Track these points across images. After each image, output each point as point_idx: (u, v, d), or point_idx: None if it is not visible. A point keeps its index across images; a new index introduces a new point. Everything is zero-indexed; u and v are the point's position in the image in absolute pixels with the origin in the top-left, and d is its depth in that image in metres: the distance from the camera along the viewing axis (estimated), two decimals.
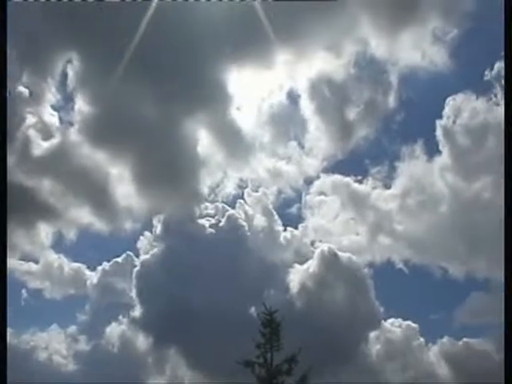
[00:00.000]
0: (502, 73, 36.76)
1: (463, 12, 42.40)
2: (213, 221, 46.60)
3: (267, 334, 23.74)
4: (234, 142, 49.22)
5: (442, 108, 41.41)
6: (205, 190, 48.61)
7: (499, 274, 37.29)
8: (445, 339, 39.98)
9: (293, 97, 50.64)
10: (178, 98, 43.69)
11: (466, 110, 41.03)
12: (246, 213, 47.49)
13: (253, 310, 28.73)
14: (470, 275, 40.72)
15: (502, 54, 40.12)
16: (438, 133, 43.22)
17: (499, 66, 37.50)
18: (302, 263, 44.43)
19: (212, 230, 45.90)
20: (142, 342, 43.31)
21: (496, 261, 35.28)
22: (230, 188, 49.31)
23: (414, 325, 40.49)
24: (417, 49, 45.02)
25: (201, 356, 36.31)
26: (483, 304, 38.36)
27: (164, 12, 34.60)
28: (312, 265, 43.41)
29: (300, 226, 50.26)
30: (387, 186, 47.96)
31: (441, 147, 44.39)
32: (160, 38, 35.60)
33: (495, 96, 39.56)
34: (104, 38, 38.74)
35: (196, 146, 46.78)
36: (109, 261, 51.23)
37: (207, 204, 48.23)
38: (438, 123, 41.90)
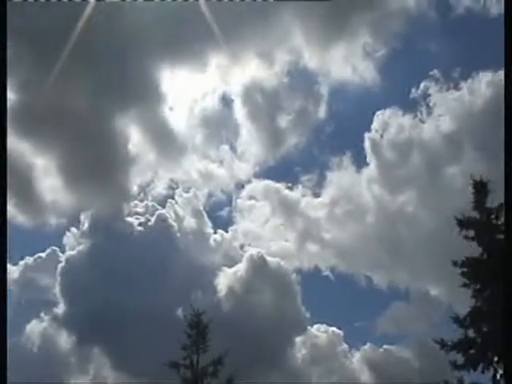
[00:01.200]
0: (428, 91, 38.46)
1: (392, 32, 44.26)
2: (142, 219, 46.14)
3: (194, 336, 23.74)
4: (165, 141, 49.01)
5: (371, 122, 42.98)
6: (134, 189, 48.10)
7: (419, 285, 38.76)
8: (367, 346, 41.17)
9: (226, 101, 51.08)
10: (111, 94, 43.10)
11: (392, 125, 42.77)
12: (176, 213, 47.29)
13: (180, 311, 28.65)
14: (392, 285, 42.19)
15: (430, 73, 41.63)
16: (366, 145, 44.71)
17: (425, 85, 39.23)
18: (230, 266, 44.66)
19: (141, 229, 45.44)
20: (65, 340, 42.30)
21: (417, 272, 36.67)
22: (160, 188, 48.99)
23: (338, 331, 41.50)
24: (348, 63, 46.70)
25: (126, 356, 35.82)
26: (404, 313, 39.78)
27: (102, 11, 34.10)
28: (240, 268, 43.73)
29: (230, 229, 50.57)
30: (316, 195, 49.11)
31: (368, 159, 45.93)
32: (97, 35, 35.03)
33: (421, 113, 41.33)
34: (40, 33, 37.68)
35: (127, 143, 46.25)
36: (32, 255, 49.67)
37: (137, 202, 47.71)
38: (367, 136, 43.39)
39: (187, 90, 54.17)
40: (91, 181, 45.58)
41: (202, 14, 34.00)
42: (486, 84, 37.91)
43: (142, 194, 48.52)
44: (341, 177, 46.72)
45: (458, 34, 43.57)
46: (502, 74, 36.45)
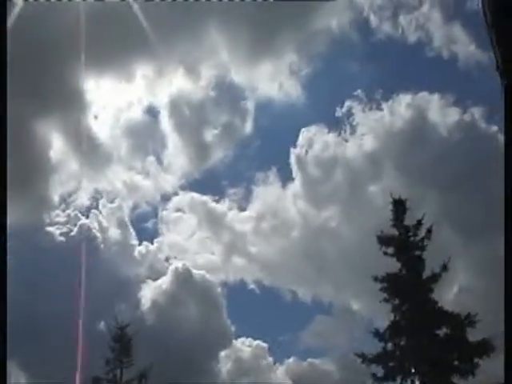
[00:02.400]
0: (352, 111, 39.97)
1: (317, 52, 45.87)
2: (64, 229, 44.95)
3: (117, 350, 23.44)
4: (89, 151, 47.93)
5: (296, 138, 43.91)
6: (56, 199, 46.74)
7: (342, 299, 39.81)
8: (291, 359, 41.64)
9: (152, 112, 50.66)
10: (32, 99, 41.83)
11: (317, 142, 43.91)
12: (100, 224, 46.35)
13: (102, 324, 28.07)
14: (316, 299, 43.04)
15: (354, 93, 43.08)
16: (292, 161, 45.69)
17: (349, 104, 40.76)
18: (155, 279, 44.17)
19: (62, 239, 44.25)
20: None
21: (340, 286, 37.66)
22: (83, 198, 47.82)
23: (263, 344, 41.81)
24: (274, 80, 47.78)
25: (44, 370, 34.69)
26: (327, 327, 40.69)
27: (25, 13, 33.23)
28: (165, 281, 43.34)
29: (155, 241, 49.93)
30: (243, 208, 49.47)
31: (294, 175, 46.86)
32: (21, 39, 34.00)
33: (344, 132, 42.81)
34: None
35: (48, 151, 44.95)
36: None
37: (58, 212, 46.41)
38: (292, 152, 44.29)
39: (113, 99, 53.49)
40: (9, 188, 43.89)
41: (132, 22, 33.81)
42: (405, 106, 39.69)
43: (63, 205, 47.22)
44: (267, 191, 47.44)
45: (380, 57, 45.51)
46: (420, 96, 38.42)
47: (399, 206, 23.44)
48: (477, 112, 43.39)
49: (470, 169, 35.07)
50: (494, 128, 38.71)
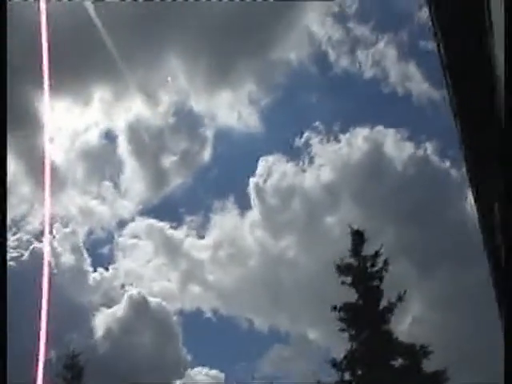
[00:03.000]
0: (310, 142, 40.71)
1: (275, 82, 46.60)
2: (14, 253, 43.77)
3: (69, 379, 22.88)
4: (43, 174, 46.95)
5: (255, 167, 44.21)
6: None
7: (299, 328, 39.79)
8: None
9: (109, 136, 50.13)
10: None
11: (276, 172, 44.21)
12: (53, 249, 45.30)
13: (53, 353, 27.23)
14: (273, 328, 42.79)
15: (313, 124, 43.89)
16: (250, 190, 45.79)
17: (307, 135, 41.45)
18: (109, 306, 43.21)
19: (12, 264, 43.06)
20: None
21: (297, 315, 37.66)
22: (36, 223, 46.68)
23: (219, 374, 41.18)
24: (233, 109, 48.00)
25: None
26: (284, 356, 40.49)
27: None
28: (120, 308, 42.45)
29: (111, 267, 48.96)
30: (200, 236, 49.08)
31: (252, 204, 47.00)
32: None
33: (303, 162, 43.45)
34: None
35: None
36: None
37: (8, 236, 45.22)
38: (251, 181, 44.49)
39: (69, 122, 52.76)
40: None
41: (91, 43, 33.80)
42: (362, 138, 40.55)
43: (14, 229, 45.98)
44: (225, 219, 47.27)
45: (338, 91, 46.54)
46: (377, 130, 39.44)
47: (357, 237, 23.79)
48: (430, 147, 44.68)
49: (424, 202, 35.87)
50: (447, 163, 39.96)
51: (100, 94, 44.09)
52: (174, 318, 43.91)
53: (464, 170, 7.38)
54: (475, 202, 7.60)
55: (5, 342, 4.08)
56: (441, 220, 34.31)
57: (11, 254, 43.27)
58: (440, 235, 32.49)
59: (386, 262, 22.98)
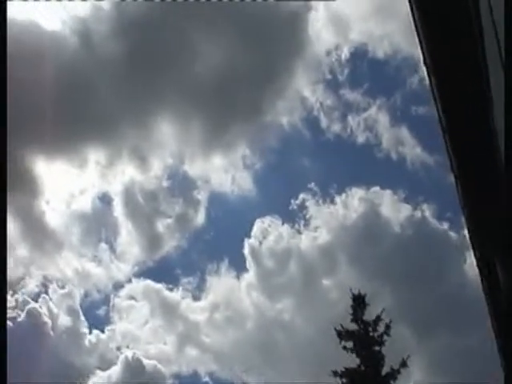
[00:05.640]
0: (306, 203, 41.05)
1: (269, 146, 47.58)
2: (11, 313, 43.27)
3: None
4: (40, 236, 47.11)
5: (250, 229, 44.54)
6: None
7: None
8: None
9: (105, 199, 50.96)
10: None
11: (272, 234, 44.42)
12: (49, 310, 44.87)
13: None
14: None
15: (308, 186, 44.42)
16: (246, 252, 45.97)
17: (303, 197, 41.86)
18: (105, 369, 42.39)
19: (8, 323, 42.52)
20: None
21: (294, 379, 36.98)
22: (32, 285, 46.55)
23: None
24: (227, 172, 48.95)
25: None
26: None
27: None
28: (116, 371, 41.63)
29: (106, 329, 48.42)
30: (197, 298, 48.86)
31: (248, 266, 47.05)
32: None
33: (298, 224, 43.75)
34: None
35: None
36: None
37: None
38: (246, 243, 44.74)
39: (65, 184, 53.72)
40: None
41: (86, 106, 34.60)
42: (358, 200, 40.86)
43: (10, 291, 45.78)
44: (221, 281, 47.19)
45: (331, 154, 47.43)
46: (373, 191, 39.79)
47: (359, 301, 23.57)
48: (427, 209, 44.91)
49: (422, 264, 35.74)
50: (445, 225, 40.15)
51: (95, 157, 45.03)
52: (170, 381, 43.06)
53: (463, 232, 7.46)
54: (476, 264, 7.63)
55: (5, 343, 4.07)
56: (440, 283, 34.16)
57: (8, 314, 42.89)
58: (439, 298, 32.26)
59: (387, 327, 22.70)
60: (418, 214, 40.33)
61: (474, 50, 5.38)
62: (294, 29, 39.07)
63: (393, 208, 42.23)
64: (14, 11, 36.27)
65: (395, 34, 39.96)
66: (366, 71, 43.96)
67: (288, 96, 43.71)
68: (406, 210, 41.22)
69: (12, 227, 43.34)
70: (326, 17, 41.51)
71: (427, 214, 41.25)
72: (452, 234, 38.23)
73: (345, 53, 39.60)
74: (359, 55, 42.05)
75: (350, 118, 43.64)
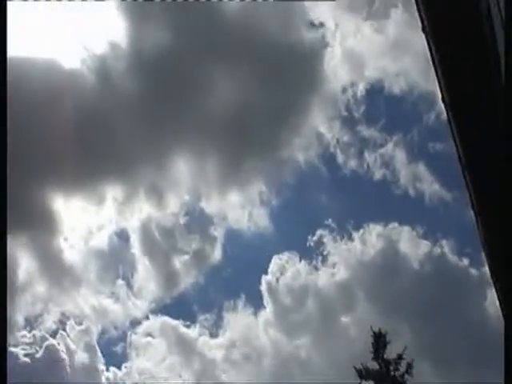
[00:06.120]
0: (323, 240, 40.94)
1: (285, 182, 47.78)
2: (29, 350, 43.23)
3: None
4: (58, 273, 47.43)
5: (267, 266, 44.43)
6: (20, 319, 45.47)
7: None
8: None
9: (122, 236, 51.34)
10: None
11: (289, 270, 44.23)
12: (67, 347, 44.80)
13: None
14: None
15: (325, 222, 44.35)
16: (263, 289, 45.78)
17: (320, 233, 41.73)
18: None
19: (27, 360, 42.46)
20: None
21: None
22: (50, 322, 46.70)
23: None
24: (244, 208, 49.15)
25: None
26: None
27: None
28: None
29: (124, 366, 48.22)
30: (214, 335, 48.60)
31: (265, 303, 46.81)
32: None
33: (316, 261, 43.54)
34: None
35: (16, 270, 44.31)
36: None
37: (24, 333, 44.98)
38: (264, 279, 44.60)
39: (83, 221, 54.17)
40: None
41: (104, 144, 35.06)
42: (376, 236, 40.61)
43: (28, 327, 45.99)
44: (238, 318, 46.90)
45: (348, 191, 47.37)
46: (391, 227, 39.56)
47: (379, 339, 23.21)
48: (446, 245, 44.50)
49: (442, 301, 35.21)
50: (465, 261, 39.69)
51: (112, 194, 45.51)
52: None
53: (483, 268, 7.40)
54: (498, 301, 7.53)
55: (5, 343, 4.08)
56: (460, 319, 33.60)
57: (26, 350, 42.82)
58: (459, 335, 31.67)
59: (409, 366, 22.28)
60: (437, 250, 39.93)
61: (492, 88, 5.42)
62: (310, 66, 39.55)
63: (411, 244, 41.87)
64: (34, 50, 37.54)
65: (411, 69, 40.29)
66: (382, 107, 44.18)
67: (304, 132, 44.03)
68: (424, 246, 40.86)
69: (31, 264, 43.74)
70: (341, 54, 41.96)
71: (446, 249, 40.83)
72: (472, 270, 37.75)
73: (360, 89, 39.90)
74: (375, 91, 42.27)
75: (366, 154, 43.67)
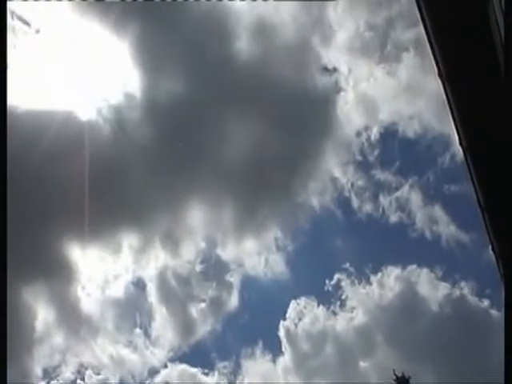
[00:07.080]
0: (341, 284, 40.85)
1: (300, 227, 47.69)
2: None
3: None
4: (75, 323, 47.14)
5: (285, 311, 43.95)
6: (38, 371, 44.98)
7: None
8: None
9: (139, 284, 51.18)
10: (18, 265, 41.68)
11: (307, 316, 43.73)
12: None
13: None
14: None
15: (343, 266, 44.24)
16: (281, 334, 45.17)
17: (338, 277, 41.43)
18: None
19: None
20: None
21: None
22: (68, 373, 46.21)
23: None
24: (260, 254, 48.98)
25: None
26: None
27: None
28: None
29: None
30: (232, 382, 47.91)
31: (283, 349, 46.15)
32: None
33: (334, 305, 43.12)
34: None
35: (34, 320, 44.01)
36: None
37: (42, 383, 44.54)
38: (282, 325, 44.06)
39: (100, 270, 54.02)
40: None
41: (119, 191, 35.27)
42: (394, 279, 40.13)
43: (47, 379, 45.54)
44: (256, 365, 46.28)
45: (364, 234, 47.11)
46: (409, 269, 39.21)
47: None
48: (466, 287, 43.87)
49: (463, 343, 34.45)
50: (486, 303, 38.98)
51: (128, 242, 45.52)
52: None
53: (504, 310, 7.27)
54: None
55: (5, 343, 4.03)
56: (482, 361, 32.83)
57: None
58: (482, 377, 30.91)
59: None
60: (457, 291, 39.38)
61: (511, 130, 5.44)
62: (323, 110, 39.85)
63: (430, 286, 41.37)
64: (54, 103, 38.34)
65: (424, 112, 40.44)
66: (396, 151, 44.22)
67: (318, 177, 44.12)
68: (443, 288, 40.34)
69: (48, 315, 43.63)
70: (354, 98, 42.33)
71: (466, 291, 40.28)
72: (493, 311, 37.07)
73: (374, 133, 40.07)
74: (389, 135, 42.40)
75: (381, 197, 43.55)
